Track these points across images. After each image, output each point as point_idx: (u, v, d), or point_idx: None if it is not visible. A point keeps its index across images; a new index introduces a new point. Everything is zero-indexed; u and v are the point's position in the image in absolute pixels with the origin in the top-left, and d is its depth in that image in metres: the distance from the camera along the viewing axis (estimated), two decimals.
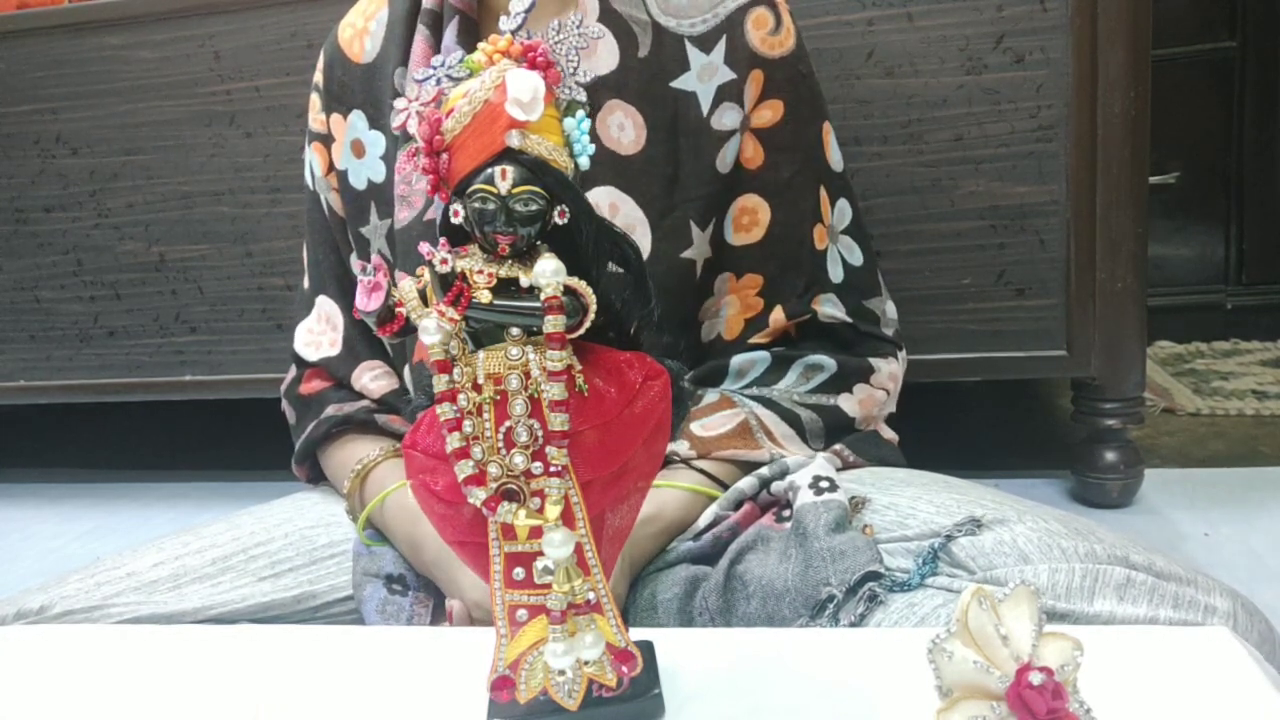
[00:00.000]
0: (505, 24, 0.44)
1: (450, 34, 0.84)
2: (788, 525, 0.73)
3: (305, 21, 1.33)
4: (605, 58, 0.83)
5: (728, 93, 0.84)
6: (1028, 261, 1.19)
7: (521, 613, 0.46)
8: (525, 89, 0.41)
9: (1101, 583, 0.59)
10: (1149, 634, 0.55)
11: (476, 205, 0.42)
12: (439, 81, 0.43)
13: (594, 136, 0.81)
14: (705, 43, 0.84)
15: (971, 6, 1.14)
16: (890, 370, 0.89)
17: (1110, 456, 1.25)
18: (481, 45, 0.43)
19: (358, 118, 0.89)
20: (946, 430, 1.62)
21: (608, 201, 0.82)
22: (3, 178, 1.51)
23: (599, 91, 0.82)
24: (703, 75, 0.84)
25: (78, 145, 1.46)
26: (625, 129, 0.83)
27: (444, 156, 0.42)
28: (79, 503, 1.64)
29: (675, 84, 0.84)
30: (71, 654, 0.61)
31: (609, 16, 0.83)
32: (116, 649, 0.62)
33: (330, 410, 0.90)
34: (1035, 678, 0.37)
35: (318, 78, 0.93)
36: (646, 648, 0.50)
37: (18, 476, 1.81)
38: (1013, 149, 1.16)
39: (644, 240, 0.82)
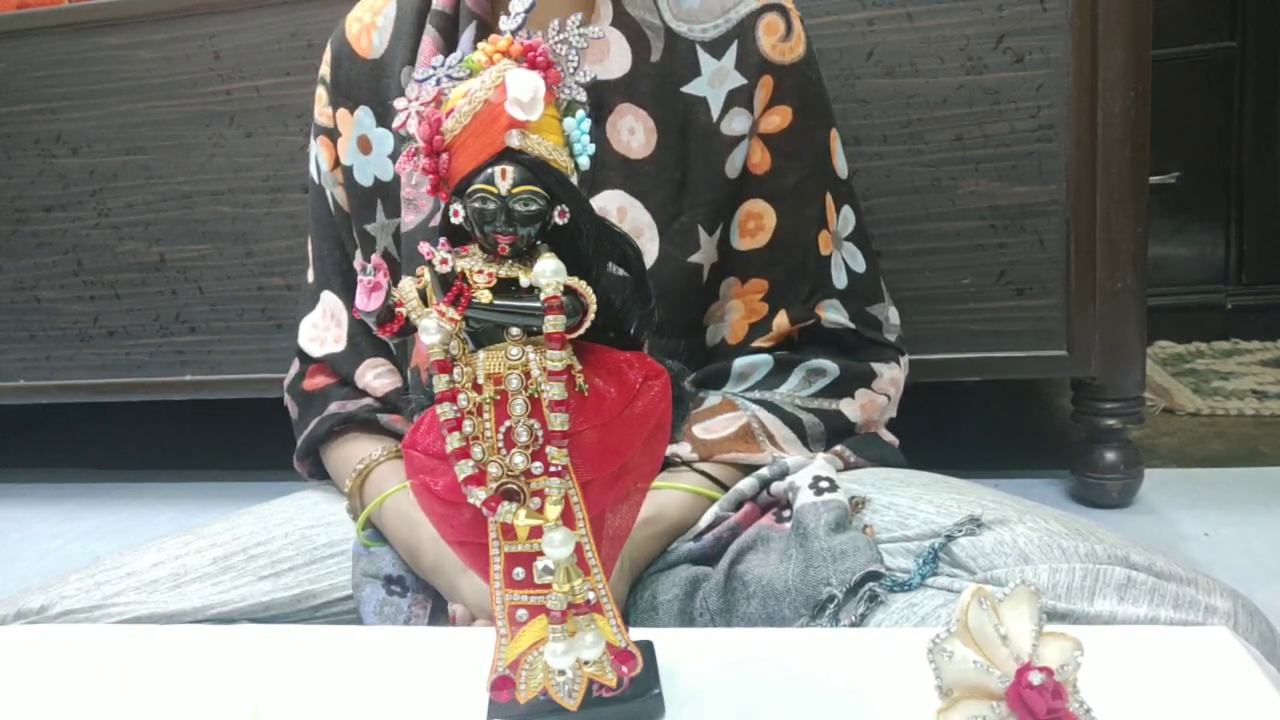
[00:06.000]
0: (505, 24, 0.44)
1: (466, 40, 0.83)
2: (788, 525, 0.73)
3: (305, 21, 1.33)
4: (617, 61, 0.83)
5: (738, 98, 0.84)
6: (1028, 261, 1.19)
7: (521, 613, 0.46)
8: (525, 89, 0.41)
9: (1102, 583, 0.59)
10: (1149, 634, 0.55)
11: (476, 205, 0.42)
12: (439, 81, 0.43)
13: (604, 140, 0.81)
14: (717, 48, 0.84)
15: (971, 6, 1.14)
16: (892, 376, 0.89)
17: (1110, 456, 1.25)
18: (481, 45, 0.43)
19: (364, 114, 0.89)
20: (946, 430, 1.62)
21: (616, 205, 0.82)
22: (3, 178, 1.51)
23: (611, 95, 0.82)
24: (714, 80, 0.84)
25: (78, 145, 1.46)
26: (636, 133, 0.82)
27: (444, 156, 0.42)
28: (79, 503, 1.64)
29: (686, 89, 0.84)
30: (71, 654, 0.61)
31: (622, 20, 0.83)
32: (116, 649, 0.62)
33: (333, 408, 0.90)
34: (1035, 678, 0.37)
35: (324, 70, 0.92)
36: (646, 648, 0.50)
37: (18, 476, 1.81)
38: (1013, 149, 1.16)
39: (652, 245, 0.82)
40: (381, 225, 0.89)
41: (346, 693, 0.53)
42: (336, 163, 0.91)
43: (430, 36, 0.85)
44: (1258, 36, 2.37)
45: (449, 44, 0.85)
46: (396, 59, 0.87)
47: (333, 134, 0.91)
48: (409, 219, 0.85)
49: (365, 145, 0.89)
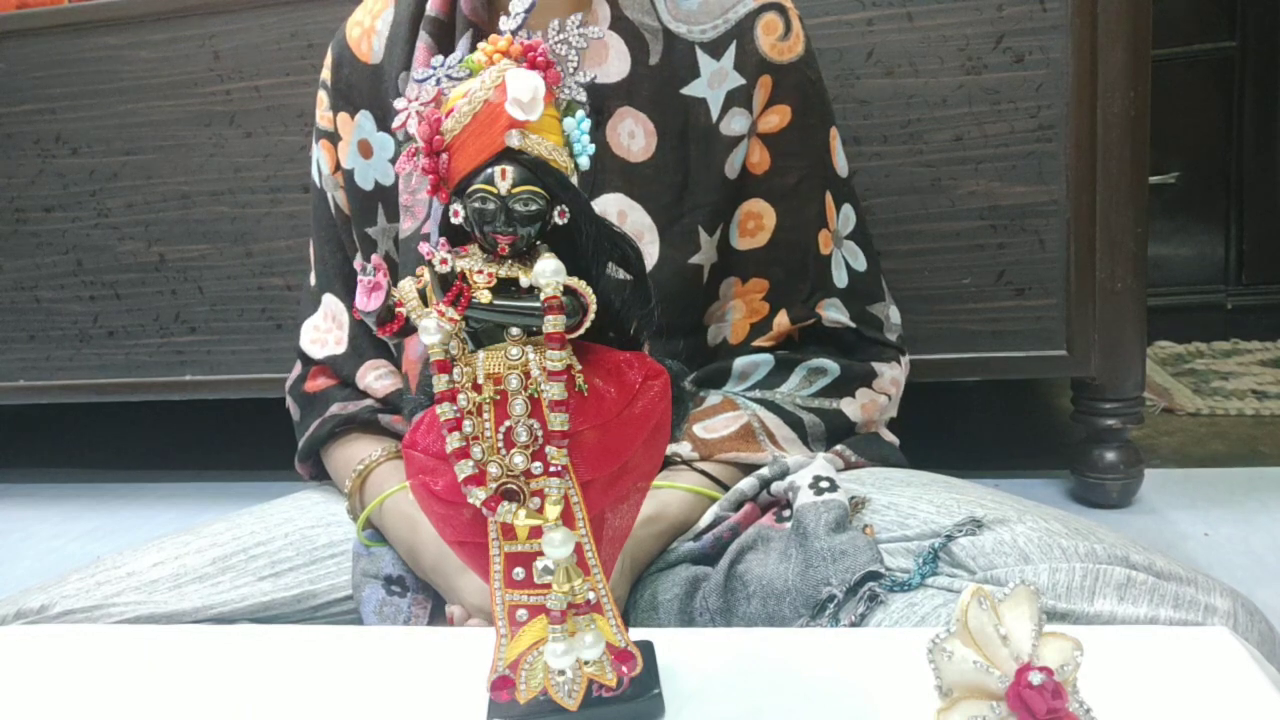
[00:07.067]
0: (505, 24, 0.44)
1: (463, 47, 0.83)
2: (788, 525, 0.73)
3: (305, 21, 1.33)
4: (616, 64, 0.83)
5: (737, 98, 0.84)
6: (1028, 261, 1.19)
7: (521, 613, 0.46)
8: (525, 89, 0.41)
9: (1102, 583, 0.59)
10: (1149, 634, 0.55)
11: (476, 205, 0.42)
12: (439, 81, 0.43)
13: (604, 144, 0.82)
14: (715, 48, 0.84)
15: (971, 6, 1.14)
16: (893, 375, 0.89)
17: (1110, 456, 1.25)
18: (481, 45, 0.43)
19: (365, 118, 0.89)
20: (946, 430, 1.63)
21: (616, 209, 0.82)
22: (3, 178, 1.51)
23: (610, 99, 0.82)
24: (713, 81, 0.84)
25: (78, 145, 1.46)
26: (636, 136, 0.82)
27: (444, 156, 0.42)
28: (79, 503, 1.64)
29: (686, 90, 0.84)
30: (71, 654, 0.61)
31: (620, 24, 0.83)
32: (116, 649, 0.62)
33: (334, 409, 0.90)
34: (1035, 677, 0.37)
35: (325, 74, 0.92)
36: (646, 648, 0.50)
37: (18, 476, 1.81)
38: (1012, 149, 1.16)
39: (652, 247, 0.82)
40: (383, 229, 0.89)
41: (346, 693, 0.53)
42: (337, 166, 0.92)
43: (424, 42, 0.84)
44: (1258, 36, 2.37)
45: (443, 50, 0.84)
46: (394, 65, 0.87)
47: (333, 138, 0.91)
48: (406, 225, 0.85)
49: (366, 149, 0.89)
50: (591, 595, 0.45)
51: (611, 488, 0.46)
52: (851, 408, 0.85)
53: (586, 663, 0.46)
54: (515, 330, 0.43)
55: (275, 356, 1.44)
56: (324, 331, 0.94)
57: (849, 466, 0.84)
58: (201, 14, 1.37)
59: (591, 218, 0.44)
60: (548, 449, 0.43)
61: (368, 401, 0.90)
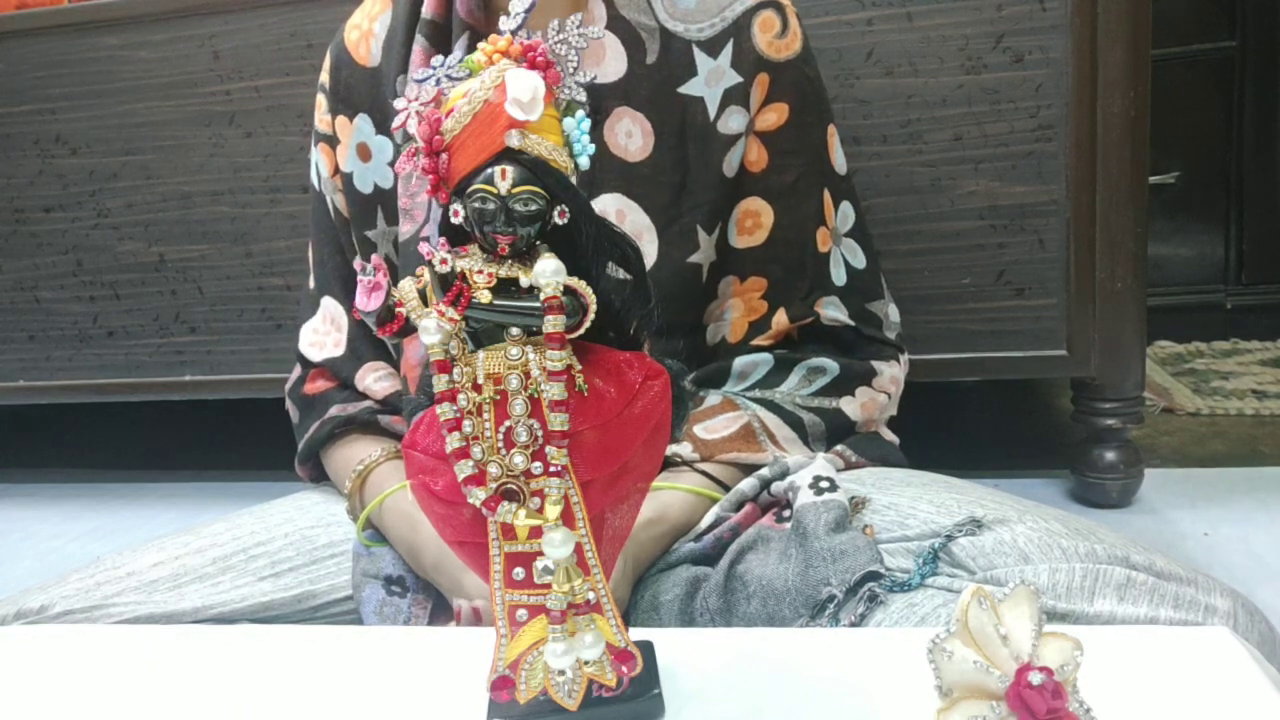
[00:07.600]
0: (505, 24, 0.43)
1: (460, 49, 0.83)
2: (788, 525, 0.73)
3: (305, 21, 1.33)
4: (613, 64, 0.83)
5: (734, 96, 0.84)
6: (1028, 261, 1.19)
7: (521, 613, 0.46)
8: (525, 89, 0.41)
9: (1102, 583, 0.59)
10: (1149, 634, 0.55)
11: (476, 205, 0.42)
12: (438, 81, 0.43)
13: (602, 144, 0.82)
14: (712, 47, 0.84)
15: (971, 6, 1.14)
16: (892, 374, 0.89)
17: (1110, 456, 1.25)
18: (481, 45, 0.43)
19: (363, 121, 0.89)
20: (946, 430, 1.63)
21: (614, 209, 0.82)
22: (2, 178, 1.51)
23: (608, 99, 0.82)
24: (710, 80, 0.84)
25: (77, 145, 1.46)
26: (633, 136, 0.82)
27: (443, 156, 0.42)
28: (79, 503, 1.64)
29: (683, 89, 0.84)
30: (71, 654, 0.61)
31: (617, 23, 0.83)
32: (116, 649, 0.62)
33: (334, 411, 0.90)
34: (1035, 677, 0.37)
35: (324, 78, 0.92)
36: (646, 648, 0.50)
37: (18, 476, 1.81)
38: (1012, 149, 1.16)
39: (651, 247, 0.82)
40: (382, 232, 0.89)
41: (346, 693, 0.53)
42: (336, 170, 0.92)
43: (420, 46, 0.85)
44: (1258, 36, 2.37)
45: (439, 53, 0.84)
46: (392, 68, 0.87)
47: (332, 141, 0.91)
48: (405, 229, 0.85)
49: (365, 153, 0.89)
50: (591, 595, 0.45)
51: (611, 488, 0.46)
52: (851, 406, 0.85)
53: (586, 663, 0.46)
54: (515, 330, 0.43)
55: (275, 356, 1.44)
56: (323, 334, 0.94)
57: (849, 466, 0.84)
58: (201, 14, 1.37)
59: (591, 217, 0.44)
60: (548, 449, 0.43)
61: (367, 403, 0.90)
